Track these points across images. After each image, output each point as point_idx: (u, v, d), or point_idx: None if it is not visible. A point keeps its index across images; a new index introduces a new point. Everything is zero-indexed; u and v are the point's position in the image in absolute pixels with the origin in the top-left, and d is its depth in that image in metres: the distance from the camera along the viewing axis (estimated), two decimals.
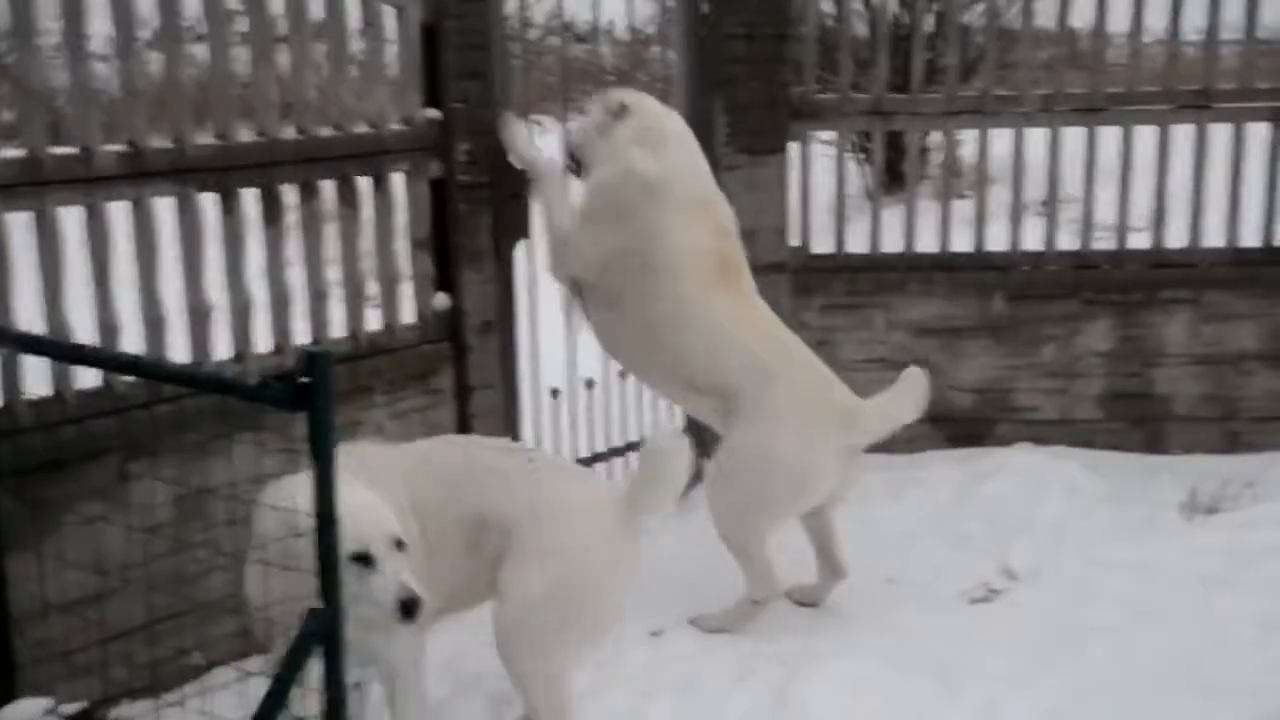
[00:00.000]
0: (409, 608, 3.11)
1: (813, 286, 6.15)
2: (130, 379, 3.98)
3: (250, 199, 4.33)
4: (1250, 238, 6.12)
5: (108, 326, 3.99)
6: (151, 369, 3.61)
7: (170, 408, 4.09)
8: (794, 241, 6.13)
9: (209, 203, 4.22)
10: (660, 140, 4.54)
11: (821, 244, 6.22)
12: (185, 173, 4.13)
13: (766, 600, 4.53)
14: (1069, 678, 4.03)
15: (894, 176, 8.29)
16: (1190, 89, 6.05)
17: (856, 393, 4.55)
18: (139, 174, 4.02)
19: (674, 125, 4.65)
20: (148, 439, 4.06)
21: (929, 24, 9.57)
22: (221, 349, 4.34)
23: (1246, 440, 6.14)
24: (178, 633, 4.04)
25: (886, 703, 3.97)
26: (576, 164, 4.75)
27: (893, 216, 6.34)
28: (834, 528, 4.67)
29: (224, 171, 4.23)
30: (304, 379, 2.74)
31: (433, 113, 4.82)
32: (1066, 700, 3.90)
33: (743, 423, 4.43)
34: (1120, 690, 3.93)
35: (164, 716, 3.62)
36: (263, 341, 4.43)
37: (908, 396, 4.40)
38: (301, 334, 4.61)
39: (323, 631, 2.85)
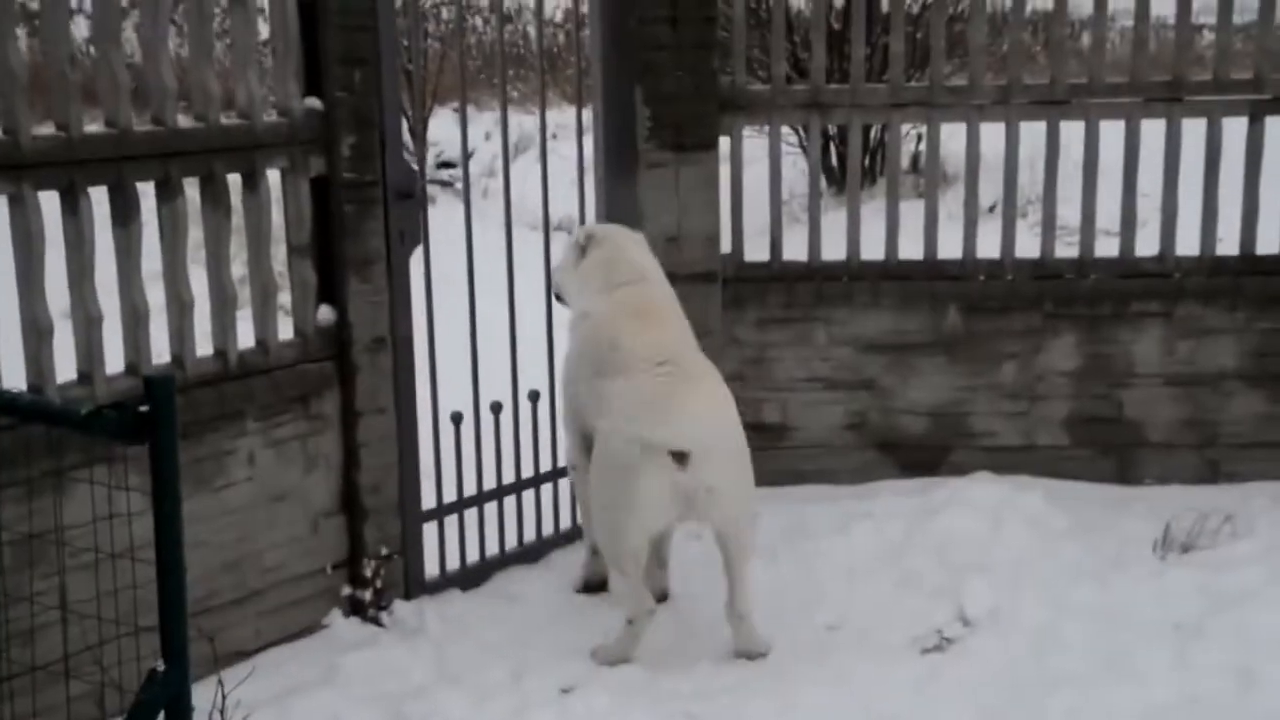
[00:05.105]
0: None
1: (746, 298, 5.92)
2: None
3: (99, 198, 4.04)
4: (1228, 244, 5.93)
5: None
6: None
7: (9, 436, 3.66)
8: (725, 248, 5.88)
9: (49, 201, 3.92)
10: (618, 265, 4.86)
11: (756, 251, 5.97)
12: (20, 168, 3.81)
13: (638, 619, 4.49)
14: None
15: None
16: (1160, 80, 5.84)
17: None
18: None
19: (632, 249, 4.94)
20: None
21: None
22: (65, 370, 4.02)
23: (1226, 469, 5.95)
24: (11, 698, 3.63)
25: None
26: (559, 297, 5.13)
27: (836, 221, 6.12)
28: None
29: (66, 166, 3.95)
30: (143, 407, 2.70)
31: (313, 102, 4.52)
32: None
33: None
34: None
35: None
36: (114, 361, 4.12)
37: None
38: (161, 353, 4.31)
39: (167, 695, 2.80)
